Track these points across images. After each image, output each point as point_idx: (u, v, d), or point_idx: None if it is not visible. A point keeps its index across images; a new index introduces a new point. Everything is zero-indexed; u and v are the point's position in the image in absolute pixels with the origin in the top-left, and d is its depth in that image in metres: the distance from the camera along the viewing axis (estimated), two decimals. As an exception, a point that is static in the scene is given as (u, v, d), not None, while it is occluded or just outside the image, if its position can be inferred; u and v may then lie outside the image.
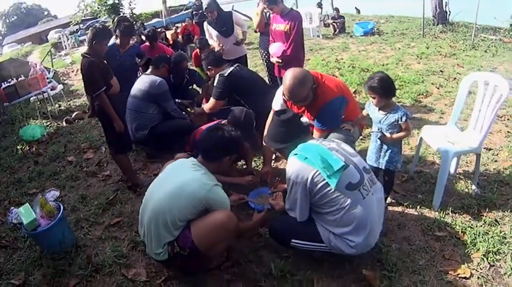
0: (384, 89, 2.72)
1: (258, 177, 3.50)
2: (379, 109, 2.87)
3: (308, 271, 2.58)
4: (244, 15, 18.79)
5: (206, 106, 4.12)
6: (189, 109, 4.72)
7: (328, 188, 2.21)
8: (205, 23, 5.80)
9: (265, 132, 3.31)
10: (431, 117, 4.91)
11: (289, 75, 2.81)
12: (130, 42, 5.19)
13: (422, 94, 5.73)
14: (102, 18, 15.16)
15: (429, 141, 3.32)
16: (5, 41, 45.14)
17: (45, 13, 64.59)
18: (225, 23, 5.49)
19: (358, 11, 20.27)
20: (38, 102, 7.97)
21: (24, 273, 2.98)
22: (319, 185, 2.22)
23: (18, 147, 5.93)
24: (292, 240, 2.43)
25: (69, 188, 4.28)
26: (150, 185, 2.64)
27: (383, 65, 7.84)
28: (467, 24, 11.39)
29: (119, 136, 3.71)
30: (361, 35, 11.67)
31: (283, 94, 2.99)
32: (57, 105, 8.29)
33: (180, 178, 2.45)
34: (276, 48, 4.48)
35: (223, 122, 3.55)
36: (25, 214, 2.99)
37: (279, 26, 4.49)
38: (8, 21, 61.52)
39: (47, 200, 3.13)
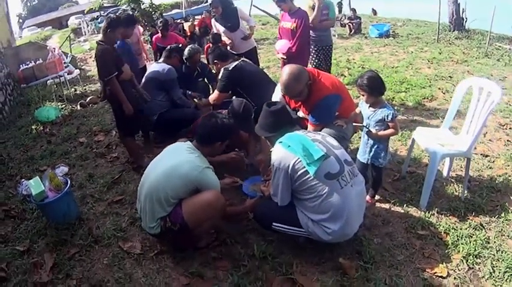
0: (372, 87, 2.85)
1: (252, 163, 3.70)
2: (369, 106, 3.00)
3: (289, 255, 2.74)
4: (263, 11, 18.88)
5: (210, 97, 4.32)
6: (195, 100, 4.91)
7: (308, 176, 2.37)
8: (212, 20, 6.01)
9: None
10: (432, 122, 4.95)
11: (285, 71, 3.01)
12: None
13: (427, 98, 5.78)
14: (122, 7, 15.36)
15: (420, 142, 3.41)
16: (25, 24, 45.54)
17: (67, -2, 65.19)
18: (230, 18, 5.67)
19: (375, 12, 20.16)
20: (55, 86, 8.20)
21: (29, 241, 3.19)
22: (299, 172, 2.39)
23: (33, 127, 6.18)
24: (274, 223, 2.61)
25: (78, 167, 4.52)
26: (149, 165, 2.85)
27: (393, 67, 7.88)
28: (483, 32, 11.29)
29: (127, 120, 3.91)
30: (376, 37, 11.70)
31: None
32: (73, 89, 8.54)
33: (175, 159, 2.67)
34: (282, 45, 4.69)
35: (223, 111, 3.73)
36: (34, 185, 3.21)
37: (286, 23, 4.68)
38: (29, 4, 62.14)
39: (56, 175, 3.35)
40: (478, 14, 11.33)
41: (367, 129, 3.01)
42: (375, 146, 3.03)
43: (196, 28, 12.79)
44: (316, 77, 3.13)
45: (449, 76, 6.96)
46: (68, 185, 3.32)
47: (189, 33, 12.24)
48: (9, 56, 9.48)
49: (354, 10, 13.57)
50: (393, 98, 5.84)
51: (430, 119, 5.08)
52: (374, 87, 2.86)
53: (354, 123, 3.27)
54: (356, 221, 2.53)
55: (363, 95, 2.92)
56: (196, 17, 16.66)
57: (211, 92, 5.75)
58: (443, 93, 6.03)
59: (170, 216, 2.59)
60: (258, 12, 19.77)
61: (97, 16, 25.33)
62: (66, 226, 3.27)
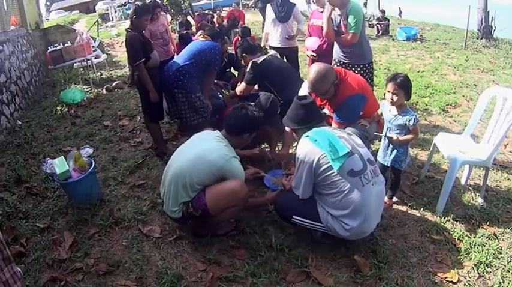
0: (407, 88, 2.88)
1: (277, 160, 3.74)
2: (391, 109, 3.02)
3: (305, 249, 2.79)
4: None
5: (238, 89, 4.35)
6: (223, 91, 4.96)
7: (331, 171, 2.41)
8: (268, 5, 6.01)
9: None
10: (454, 128, 4.94)
11: (313, 70, 3.06)
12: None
13: (451, 105, 5.76)
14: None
15: (441, 147, 3.42)
16: (53, 7, 45.89)
17: (95, -17, 65.55)
18: (286, 8, 5.73)
19: (400, 12, 20.04)
20: (81, 69, 8.35)
21: (49, 218, 3.28)
22: (323, 167, 2.43)
23: (58, 108, 6.30)
24: (294, 216, 2.66)
25: (101, 150, 4.61)
26: (175, 151, 2.93)
27: (419, 71, 7.84)
28: (511, 42, 11.18)
29: (153, 106, 4.01)
30: (404, 40, 11.64)
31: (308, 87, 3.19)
32: (99, 73, 8.65)
33: (203, 146, 2.75)
34: (312, 43, 4.71)
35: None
36: (59, 165, 3.29)
37: (317, 21, 4.69)
38: (57, -13, 62.70)
39: (81, 155, 3.45)
40: (507, 23, 11.15)
41: (388, 135, 3.05)
42: (395, 150, 3.06)
43: (225, 20, 12.84)
44: (343, 76, 3.17)
45: (474, 84, 6.91)
46: (92, 167, 3.41)
47: (217, 25, 12.28)
48: (37, 38, 9.67)
49: (382, 11, 13.48)
50: (417, 102, 5.82)
51: (452, 125, 5.07)
52: (408, 88, 2.89)
53: (375, 133, 3.33)
54: (374, 219, 2.57)
55: (395, 95, 2.88)
56: (224, 8, 16.69)
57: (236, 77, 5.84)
58: (467, 101, 6.00)
59: (193, 201, 2.66)
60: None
61: (125, 2, 25.53)
62: (88, 206, 3.35)
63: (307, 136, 2.58)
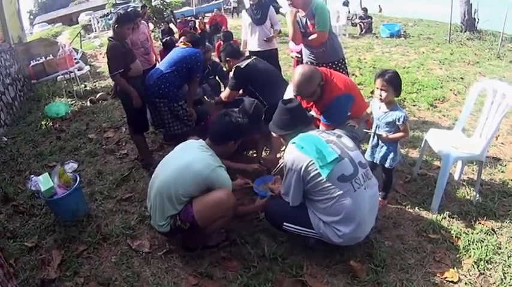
0: (396, 84, 2.82)
1: (264, 165, 3.64)
2: (381, 107, 2.96)
3: (299, 257, 2.71)
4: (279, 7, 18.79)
5: (222, 95, 4.27)
6: (205, 97, 4.88)
7: (320, 178, 2.34)
8: (243, 11, 6.08)
9: None
10: (443, 123, 4.92)
11: (297, 72, 2.98)
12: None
13: (439, 99, 5.75)
14: (133, 3, 15.41)
15: (432, 144, 3.36)
16: (36, 20, 45.86)
17: (77, -5, 65.50)
18: (261, 11, 5.76)
19: (380, 9, 20.19)
20: (65, 82, 8.25)
21: (37, 237, 3.19)
22: (312, 174, 2.36)
23: (43, 122, 6.19)
24: (285, 223, 2.58)
25: (87, 163, 4.51)
26: (160, 161, 2.84)
27: (404, 67, 7.84)
28: (495, 33, 11.19)
29: (137, 117, 3.94)
30: (387, 37, 11.66)
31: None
32: (83, 85, 8.55)
33: (187, 157, 2.65)
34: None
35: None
36: (44, 182, 3.21)
37: None
38: (39, 1, 62.60)
39: (65, 171, 3.35)
40: (489, 15, 11.24)
41: (376, 132, 3.00)
42: (384, 147, 3.01)
43: (207, 26, 12.79)
44: (329, 77, 3.10)
45: (461, 78, 6.92)
46: (77, 182, 3.32)
47: (199, 31, 12.23)
48: (20, 52, 9.52)
49: (365, 9, 13.52)
50: (404, 99, 5.79)
51: (441, 120, 5.05)
52: (397, 84, 2.83)
53: (364, 130, 3.24)
54: (368, 224, 2.50)
55: (384, 91, 2.84)
56: (206, 14, 16.69)
57: (222, 89, 5.73)
58: (455, 94, 6.00)
59: (180, 214, 2.57)
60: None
61: (107, 13, 25.42)
62: (75, 223, 3.26)
63: (294, 143, 2.50)
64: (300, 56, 4.64)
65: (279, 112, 2.72)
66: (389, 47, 10.31)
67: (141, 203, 3.52)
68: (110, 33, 3.83)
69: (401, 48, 9.96)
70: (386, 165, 3.03)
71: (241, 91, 4.20)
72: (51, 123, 6.14)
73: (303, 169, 2.37)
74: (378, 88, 2.87)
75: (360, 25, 12.78)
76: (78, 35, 15.34)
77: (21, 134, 5.89)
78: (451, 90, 6.19)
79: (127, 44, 3.96)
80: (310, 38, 3.92)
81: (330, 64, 3.96)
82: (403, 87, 5.95)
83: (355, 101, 3.16)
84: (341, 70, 4.00)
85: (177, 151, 2.83)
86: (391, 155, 2.99)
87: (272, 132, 2.87)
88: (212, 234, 2.82)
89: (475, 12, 11.99)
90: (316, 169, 2.33)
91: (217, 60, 5.81)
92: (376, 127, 3.04)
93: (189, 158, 2.62)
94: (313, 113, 3.32)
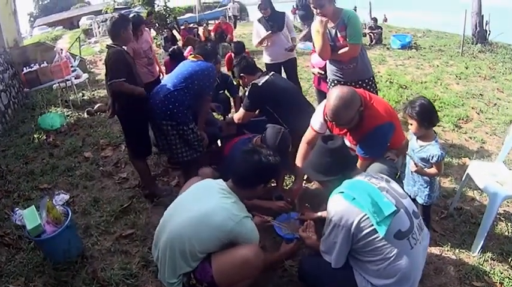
0: (423, 117, 2.49)
1: (288, 197, 3.20)
2: (417, 138, 2.64)
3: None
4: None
5: (235, 116, 3.81)
6: (215, 113, 4.43)
7: (375, 236, 1.90)
8: (255, 22, 5.60)
9: (299, 154, 3.02)
10: (471, 146, 4.63)
11: (334, 94, 2.49)
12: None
13: (463, 119, 5.47)
14: (135, 9, 15.08)
15: (476, 179, 3.02)
16: (36, 23, 45.70)
17: (79, -2, 65.50)
18: (276, 21, 5.31)
19: (385, 19, 20.06)
20: (61, 90, 7.82)
21: (24, 279, 2.80)
22: (365, 231, 1.91)
23: (35, 135, 5.79)
24: (325, 287, 2.13)
25: (82, 188, 4.08)
26: (171, 205, 2.38)
27: (421, 82, 7.56)
28: (506, 46, 11.14)
29: (138, 140, 3.50)
30: (399, 48, 11.35)
31: (325, 114, 2.65)
32: (80, 94, 8.15)
33: (206, 204, 2.18)
34: (320, 59, 4.07)
35: (255, 138, 3.27)
36: (29, 217, 2.77)
37: None
38: (40, 3, 62.46)
39: (55, 205, 2.91)
40: (500, 26, 11.01)
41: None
42: (417, 182, 2.72)
43: (212, 33, 12.43)
44: (368, 101, 2.63)
45: (480, 94, 6.70)
46: (69, 218, 2.87)
47: (203, 39, 11.87)
48: (15, 56, 9.10)
49: (374, 19, 13.16)
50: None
51: (469, 143, 4.75)
52: (425, 116, 2.50)
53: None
54: (418, 279, 2.10)
55: (410, 124, 2.56)
56: (210, 21, 16.38)
57: (232, 104, 5.35)
58: (478, 113, 5.76)
59: (196, 272, 2.12)
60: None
61: (109, 17, 25.11)
62: (67, 265, 2.83)
63: (342, 192, 2.03)
64: (323, 73, 4.14)
65: (318, 153, 2.23)
66: (402, 59, 10.01)
67: (144, 242, 3.08)
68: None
69: (414, 61, 9.67)
70: (420, 201, 2.74)
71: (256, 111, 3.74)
72: (44, 137, 5.71)
73: (354, 225, 1.92)
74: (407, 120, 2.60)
75: (370, 36, 12.39)
76: (78, 39, 14.89)
77: (12, 147, 5.50)
78: (473, 108, 5.94)
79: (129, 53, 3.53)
80: (340, 52, 3.45)
81: (360, 83, 3.54)
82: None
83: (396, 130, 2.72)
84: (371, 90, 3.56)
85: (192, 192, 2.37)
86: (426, 191, 2.68)
87: (310, 177, 2.39)
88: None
89: (486, 24, 11.75)
90: (371, 226, 1.89)
91: (226, 72, 5.36)
92: (409, 157, 2.71)
93: (208, 206, 2.15)
94: (346, 142, 2.86)
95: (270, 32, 5.23)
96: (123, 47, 3.42)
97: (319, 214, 2.79)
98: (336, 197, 2.05)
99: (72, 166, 4.61)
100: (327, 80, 3.85)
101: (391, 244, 1.89)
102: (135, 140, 3.51)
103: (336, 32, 3.42)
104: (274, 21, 5.30)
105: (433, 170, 2.58)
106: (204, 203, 2.18)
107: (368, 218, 1.89)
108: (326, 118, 2.70)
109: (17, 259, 3.02)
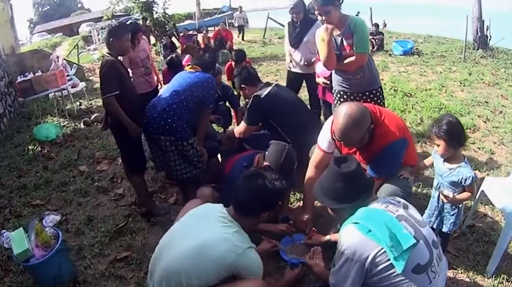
0: (453, 136, 2.29)
1: (293, 218, 3.02)
2: (444, 161, 2.44)
3: None
4: (278, 23, 18.41)
5: (236, 130, 3.63)
6: (214, 125, 4.25)
7: (392, 271, 1.71)
8: (286, 24, 4.97)
9: (308, 179, 2.85)
10: (480, 157, 4.50)
11: (342, 112, 2.29)
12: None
13: (470, 128, 5.32)
14: (134, 16, 14.96)
15: (492, 198, 2.86)
16: (36, 29, 45.75)
17: (79, 5, 65.66)
18: (305, 29, 4.59)
19: (385, 25, 20.02)
20: (56, 100, 7.68)
21: (13, 305, 2.61)
22: (380, 266, 1.72)
23: (30, 147, 5.64)
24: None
25: (76, 205, 3.90)
26: (168, 231, 2.19)
27: (426, 89, 7.42)
28: (507, 51, 11.09)
29: (133, 154, 3.34)
30: (401, 54, 11.24)
31: (333, 132, 2.46)
32: (77, 103, 8.01)
33: (205, 233, 2.00)
34: (324, 68, 3.88)
35: (258, 156, 3.09)
36: (17, 241, 2.59)
37: None
38: (40, 9, 62.57)
39: (44, 227, 2.74)
40: (500, 31, 11.04)
41: (438, 191, 2.51)
42: (446, 210, 2.52)
43: (211, 41, 12.30)
44: (379, 117, 2.44)
45: (486, 101, 6.56)
46: (60, 241, 2.69)
47: (203, 46, 11.74)
48: (11, 64, 8.98)
49: (376, 25, 13.06)
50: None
51: (478, 154, 4.61)
52: (454, 135, 2.30)
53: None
54: None
55: (437, 145, 2.38)
56: (210, 28, 16.27)
57: (233, 114, 5.14)
58: (485, 122, 5.62)
59: None
60: (274, 25, 19.40)
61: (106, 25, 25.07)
62: (58, 291, 2.65)
63: (357, 223, 1.83)
64: (328, 82, 3.94)
65: (330, 176, 2.01)
66: (404, 65, 9.90)
67: (140, 266, 2.89)
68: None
69: (417, 68, 9.56)
70: (445, 229, 2.57)
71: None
72: (39, 148, 5.56)
73: (369, 259, 1.73)
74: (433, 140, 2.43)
75: (372, 42, 12.24)
76: (76, 47, 14.80)
77: (6, 159, 5.38)
78: (479, 116, 5.80)
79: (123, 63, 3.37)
80: (346, 61, 3.26)
81: (367, 94, 3.37)
82: (431, 114, 5.65)
83: (408, 146, 2.54)
84: (379, 101, 3.40)
85: (190, 220, 2.17)
86: (453, 218, 2.51)
87: (322, 203, 2.20)
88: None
89: (487, 30, 11.71)
90: (388, 260, 1.70)
91: (227, 82, 5.15)
92: (438, 184, 2.50)
93: (207, 236, 1.97)
94: (356, 160, 2.69)
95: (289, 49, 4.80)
96: (119, 57, 3.26)
97: (328, 237, 2.62)
98: (349, 228, 1.85)
99: (66, 181, 4.44)
100: (333, 91, 3.66)
101: (409, 279, 1.71)
102: (129, 155, 3.36)
103: (342, 40, 3.24)
104: (303, 29, 4.62)
105: (465, 194, 2.40)
106: (203, 233, 2.00)
107: (385, 252, 1.70)
108: (334, 137, 2.51)
109: (6, 281, 2.88)
